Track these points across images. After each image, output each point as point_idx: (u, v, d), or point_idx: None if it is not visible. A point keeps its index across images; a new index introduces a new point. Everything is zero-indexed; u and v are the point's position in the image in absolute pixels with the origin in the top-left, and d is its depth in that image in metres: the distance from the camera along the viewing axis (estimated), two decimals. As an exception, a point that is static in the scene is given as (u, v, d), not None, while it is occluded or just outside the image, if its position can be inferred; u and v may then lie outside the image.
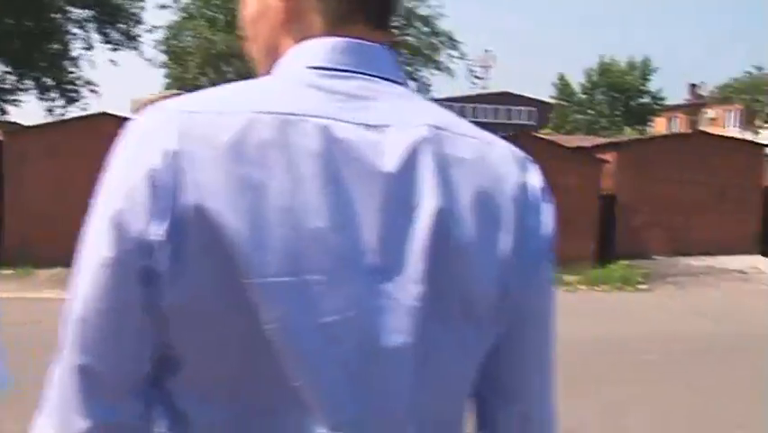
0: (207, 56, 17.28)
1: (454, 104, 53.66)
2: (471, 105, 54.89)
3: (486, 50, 61.30)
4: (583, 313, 10.93)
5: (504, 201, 0.95)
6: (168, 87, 18.93)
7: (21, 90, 21.90)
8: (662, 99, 42.02)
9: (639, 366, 7.50)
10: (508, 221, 0.95)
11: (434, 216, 0.88)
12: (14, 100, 21.67)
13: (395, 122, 0.91)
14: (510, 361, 0.99)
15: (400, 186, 0.88)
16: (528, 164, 1.02)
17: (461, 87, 53.00)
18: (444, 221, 0.89)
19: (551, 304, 1.03)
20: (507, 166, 0.97)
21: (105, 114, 14.39)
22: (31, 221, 12.93)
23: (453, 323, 0.91)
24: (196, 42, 17.74)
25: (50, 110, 21.65)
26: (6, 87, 21.63)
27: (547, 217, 1.00)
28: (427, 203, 0.88)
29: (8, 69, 21.35)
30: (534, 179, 1.00)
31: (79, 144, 13.09)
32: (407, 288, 0.87)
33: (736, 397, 6.47)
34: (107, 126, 13.35)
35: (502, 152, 0.99)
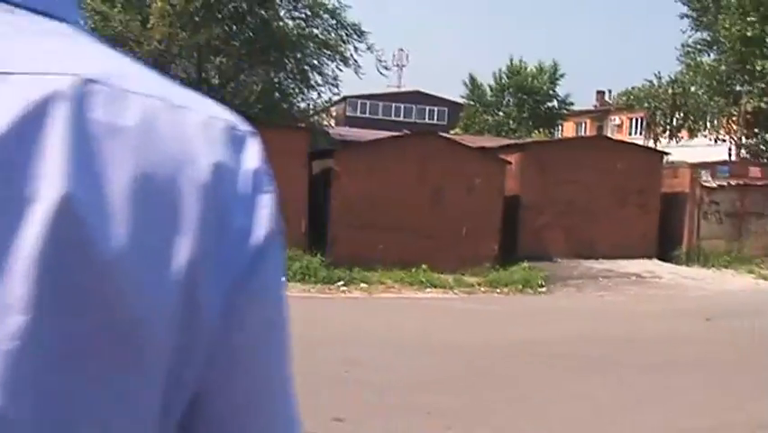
0: (104, 39, 16.39)
1: (366, 101, 53.67)
2: (383, 102, 55.01)
3: (400, 49, 61.65)
4: (482, 317, 10.74)
5: (187, 191, 0.65)
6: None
7: None
8: (570, 104, 43.07)
9: (527, 368, 7.26)
10: (191, 219, 0.65)
11: (56, 210, 0.59)
12: None
13: (20, 68, 0.62)
14: (222, 417, 0.68)
15: (4, 165, 0.60)
16: (243, 141, 0.71)
17: (374, 85, 53.02)
18: (76, 219, 0.60)
19: (277, 331, 0.72)
20: (199, 141, 0.67)
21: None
22: None
23: (101, 373, 0.61)
24: (91, 23, 16.95)
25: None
26: None
27: (263, 214, 0.69)
28: (48, 192, 0.59)
29: None
30: (249, 160, 0.70)
31: None
32: (3, 323, 0.58)
33: (626, 406, 6.28)
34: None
35: (196, 121, 0.67)
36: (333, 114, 37.34)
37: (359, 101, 52.71)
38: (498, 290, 13.13)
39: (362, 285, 12.62)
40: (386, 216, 13.78)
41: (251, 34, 17.86)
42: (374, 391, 6.27)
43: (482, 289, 13.10)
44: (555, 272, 14.22)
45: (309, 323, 9.02)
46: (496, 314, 11.07)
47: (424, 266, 13.33)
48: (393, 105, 56.28)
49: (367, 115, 50.86)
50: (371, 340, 8.14)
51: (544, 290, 13.28)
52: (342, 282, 12.59)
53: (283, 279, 0.71)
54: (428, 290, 12.78)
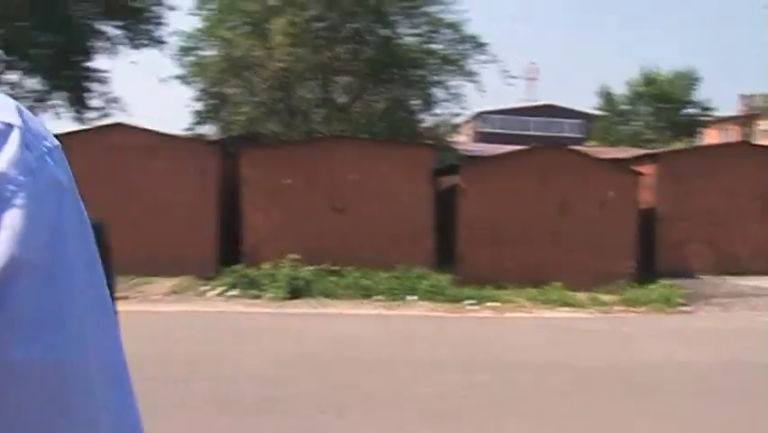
0: (228, 63, 17.04)
1: (499, 116, 53.03)
2: (516, 117, 54.24)
3: (531, 63, 60.65)
4: (616, 338, 10.17)
5: None
6: (195, 99, 18.86)
7: (51, 103, 22.29)
8: (711, 110, 40.65)
9: (673, 399, 6.73)
10: None
11: None
12: (50, 111, 22.11)
13: None
14: None
15: None
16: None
17: (506, 100, 52.50)
18: None
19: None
20: None
21: (121, 124, 14.19)
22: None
23: None
24: (216, 50, 17.60)
25: (79, 121, 21.88)
26: (38, 97, 22.08)
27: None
28: None
29: (40, 82, 21.81)
30: None
31: (96, 154, 12.88)
32: None
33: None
34: (123, 137, 13.30)
35: None
36: (464, 130, 37.07)
37: (492, 117, 52.18)
38: (636, 309, 12.44)
39: (492, 304, 12.30)
40: (513, 231, 13.43)
41: (372, 53, 17.95)
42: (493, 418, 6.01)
43: (618, 308, 12.45)
44: (698, 290, 13.32)
45: (434, 343, 8.87)
46: (633, 335, 10.46)
47: (556, 284, 12.86)
48: (526, 119, 55.35)
49: (500, 131, 50.21)
50: (489, 360, 7.86)
51: (685, 309, 12.47)
52: (471, 301, 12.32)
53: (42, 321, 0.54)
54: (561, 309, 12.29)
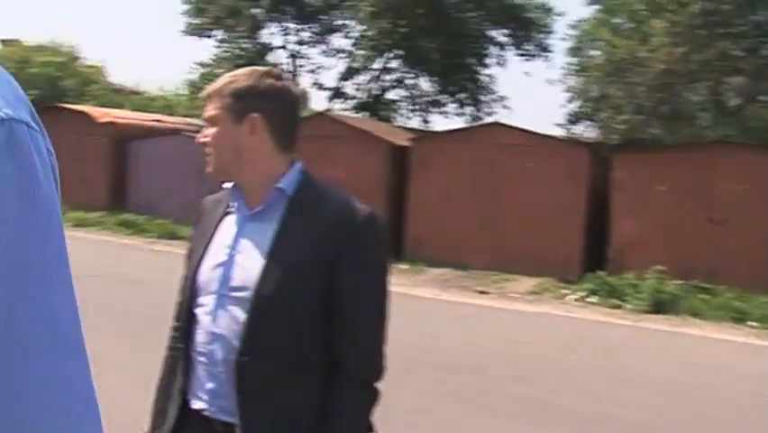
0: (611, 65, 16.53)
1: None
2: None
3: None
4: None
5: None
6: (569, 100, 18.71)
7: (441, 103, 24.02)
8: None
9: None
10: None
11: None
12: (437, 111, 23.95)
13: None
14: None
15: None
16: None
17: None
18: None
19: None
20: None
21: (498, 123, 14.66)
22: (427, 222, 13.78)
23: None
24: (599, 53, 17.20)
25: (467, 120, 23.22)
26: (429, 99, 24.00)
27: None
28: None
29: (432, 84, 23.66)
30: None
31: (472, 152, 13.54)
32: None
33: None
34: (499, 136, 13.72)
35: None
36: None
37: None
38: None
39: None
40: None
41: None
42: None
43: None
44: None
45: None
46: None
47: None
48: None
49: None
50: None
51: None
52: None
53: None
54: None
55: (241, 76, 1.90)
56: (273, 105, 1.89)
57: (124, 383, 4.89)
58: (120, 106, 27.10)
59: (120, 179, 18.51)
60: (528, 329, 9.54)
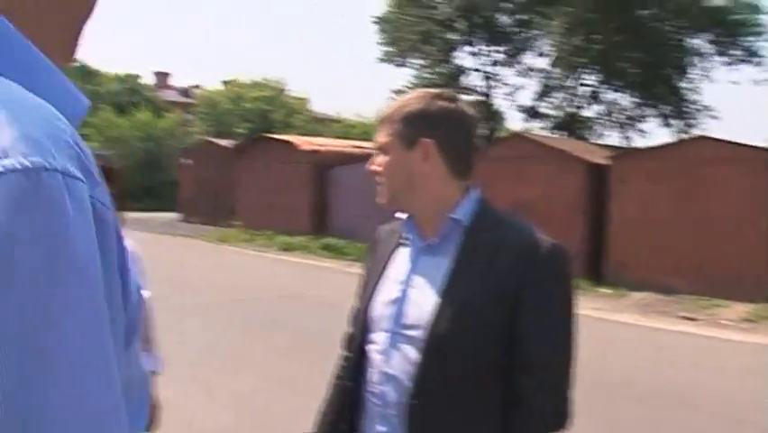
0: None
1: None
2: None
3: None
4: None
5: None
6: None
7: (642, 118, 22.87)
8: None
9: None
10: None
11: None
12: (638, 128, 22.84)
13: None
14: None
15: None
16: None
17: None
18: None
19: None
20: None
21: (703, 137, 13.66)
22: (630, 243, 13.11)
23: None
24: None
25: (670, 134, 22.00)
26: (630, 114, 22.94)
27: None
28: None
29: (633, 99, 22.60)
30: None
31: (675, 169, 12.75)
32: None
33: None
34: (706, 150, 12.73)
35: None
36: None
37: None
38: None
39: None
40: None
41: None
42: None
43: None
44: None
45: None
46: None
47: None
48: None
49: None
50: None
51: None
52: None
53: None
54: None
55: (412, 100, 1.82)
56: (446, 129, 1.78)
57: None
58: (320, 134, 28.51)
59: (321, 205, 19.38)
60: (744, 362, 8.74)
